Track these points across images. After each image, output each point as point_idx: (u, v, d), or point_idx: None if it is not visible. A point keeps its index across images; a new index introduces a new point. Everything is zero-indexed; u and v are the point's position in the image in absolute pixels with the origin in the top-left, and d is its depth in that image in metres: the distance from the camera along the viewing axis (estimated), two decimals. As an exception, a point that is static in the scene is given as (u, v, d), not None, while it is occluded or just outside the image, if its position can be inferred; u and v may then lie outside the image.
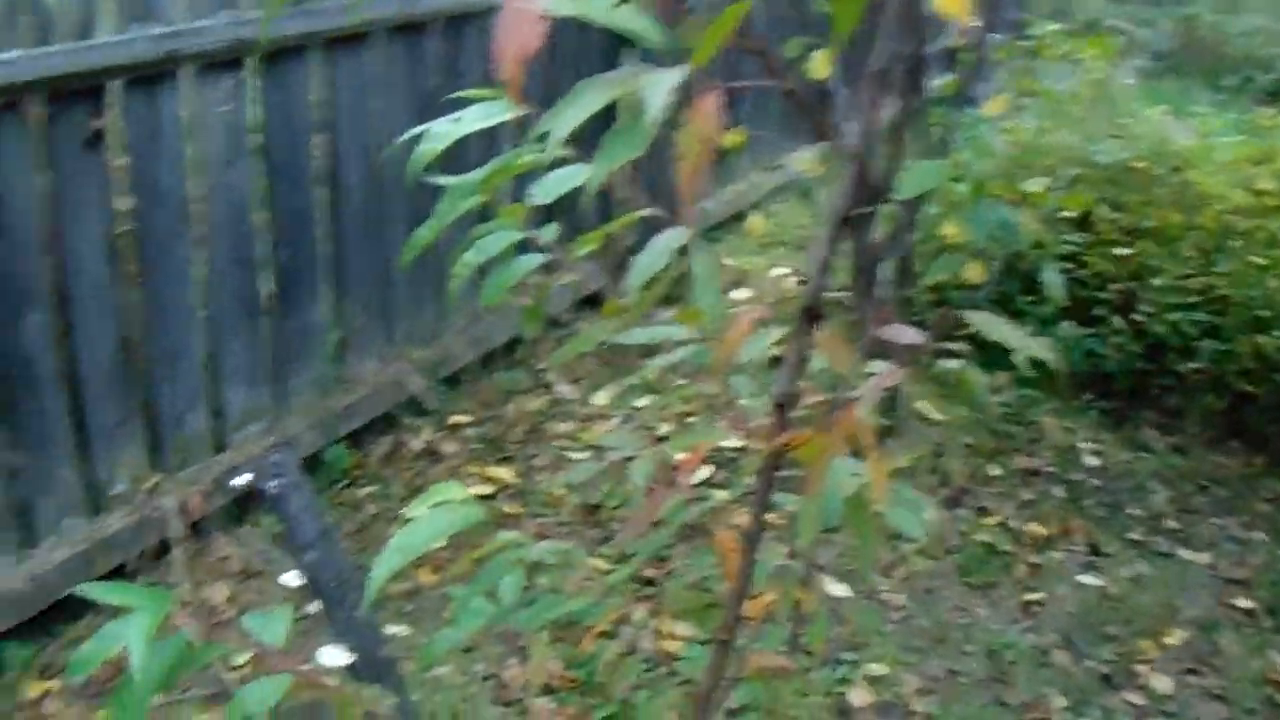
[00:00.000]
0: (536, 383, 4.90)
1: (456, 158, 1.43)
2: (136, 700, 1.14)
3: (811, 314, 1.26)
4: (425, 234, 1.66)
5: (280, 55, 3.87)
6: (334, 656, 1.76)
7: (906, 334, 1.44)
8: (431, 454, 4.43)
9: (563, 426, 4.64)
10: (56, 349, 3.46)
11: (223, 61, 3.70)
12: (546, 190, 1.46)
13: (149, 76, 3.52)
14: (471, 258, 1.69)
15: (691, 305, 1.44)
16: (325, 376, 4.30)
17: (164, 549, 3.71)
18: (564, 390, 4.86)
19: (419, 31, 4.35)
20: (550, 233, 1.72)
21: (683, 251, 1.47)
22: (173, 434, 3.83)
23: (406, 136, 1.49)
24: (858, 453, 1.37)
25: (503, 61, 0.95)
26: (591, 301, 5.31)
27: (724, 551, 1.31)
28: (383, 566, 1.21)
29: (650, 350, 4.83)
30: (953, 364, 1.58)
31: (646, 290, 1.45)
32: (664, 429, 4.54)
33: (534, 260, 1.69)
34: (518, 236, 1.68)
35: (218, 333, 3.90)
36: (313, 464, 4.15)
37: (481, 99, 1.46)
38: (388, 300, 4.49)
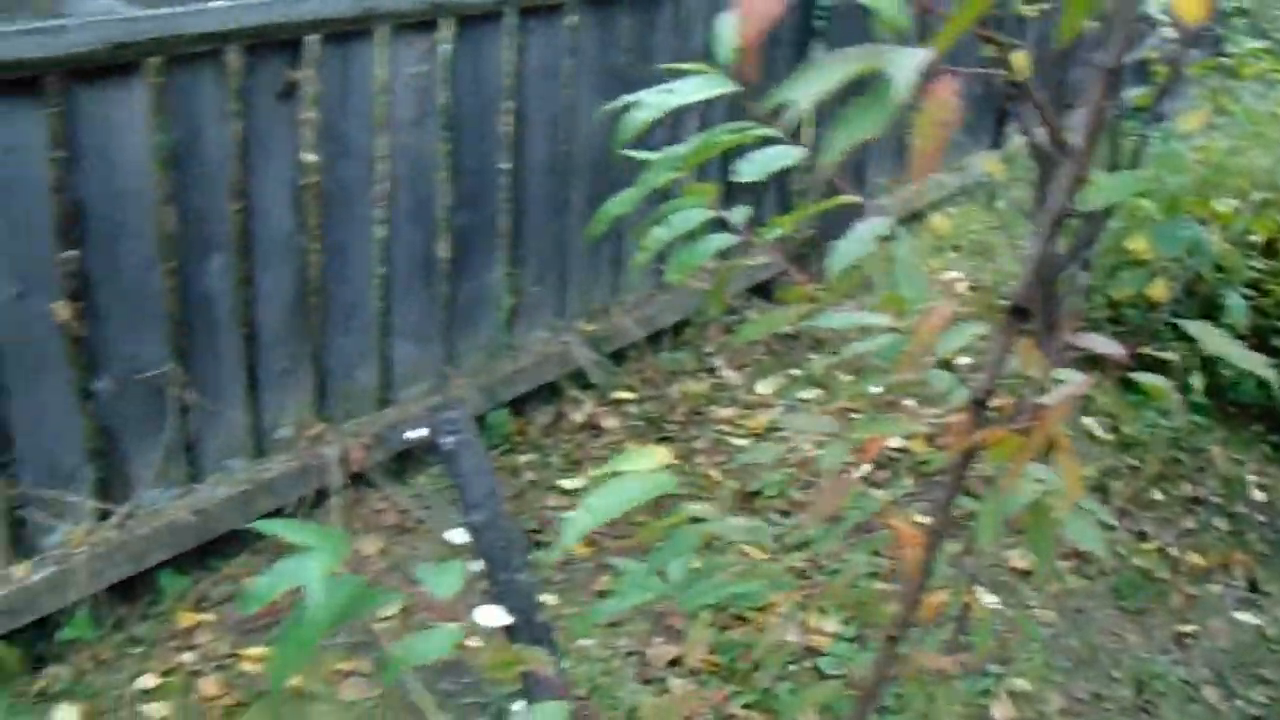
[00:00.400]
0: (701, 366, 4.89)
1: (640, 137, 1.42)
2: (308, 636, 1.15)
3: (1019, 313, 1.24)
4: (618, 206, 1.66)
5: (475, 20, 3.89)
6: (491, 616, 1.76)
7: (1101, 344, 1.42)
8: (592, 427, 4.45)
9: (725, 412, 4.62)
10: (236, 293, 3.53)
11: (418, 23, 3.74)
12: (756, 168, 1.45)
13: (346, 33, 3.57)
14: (662, 234, 1.68)
15: (892, 293, 1.42)
16: (494, 342, 4.33)
17: (321, 497, 3.76)
18: (728, 376, 4.85)
19: (612, 4, 4.36)
20: (741, 214, 1.70)
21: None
22: (340, 385, 3.89)
23: (618, 104, 1.48)
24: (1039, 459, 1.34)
25: (740, 33, 0.94)
26: (761, 290, 5.29)
27: (904, 546, 1.29)
28: (575, 526, 1.21)
29: (818, 344, 4.78)
30: (1149, 377, 1.55)
31: (843, 278, 1.43)
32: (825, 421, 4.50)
33: (725, 240, 1.67)
34: (709, 215, 1.67)
35: (392, 290, 3.95)
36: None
37: (692, 73, 1.45)
38: (561, 272, 4.51)
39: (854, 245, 1.44)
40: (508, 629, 1.73)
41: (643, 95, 1.43)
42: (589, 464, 4.24)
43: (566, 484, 4.13)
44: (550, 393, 4.49)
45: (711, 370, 4.90)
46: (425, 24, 3.77)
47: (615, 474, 1.18)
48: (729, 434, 4.49)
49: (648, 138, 1.48)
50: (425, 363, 4.12)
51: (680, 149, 1.53)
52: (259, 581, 1.18)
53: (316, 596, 1.10)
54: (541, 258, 4.41)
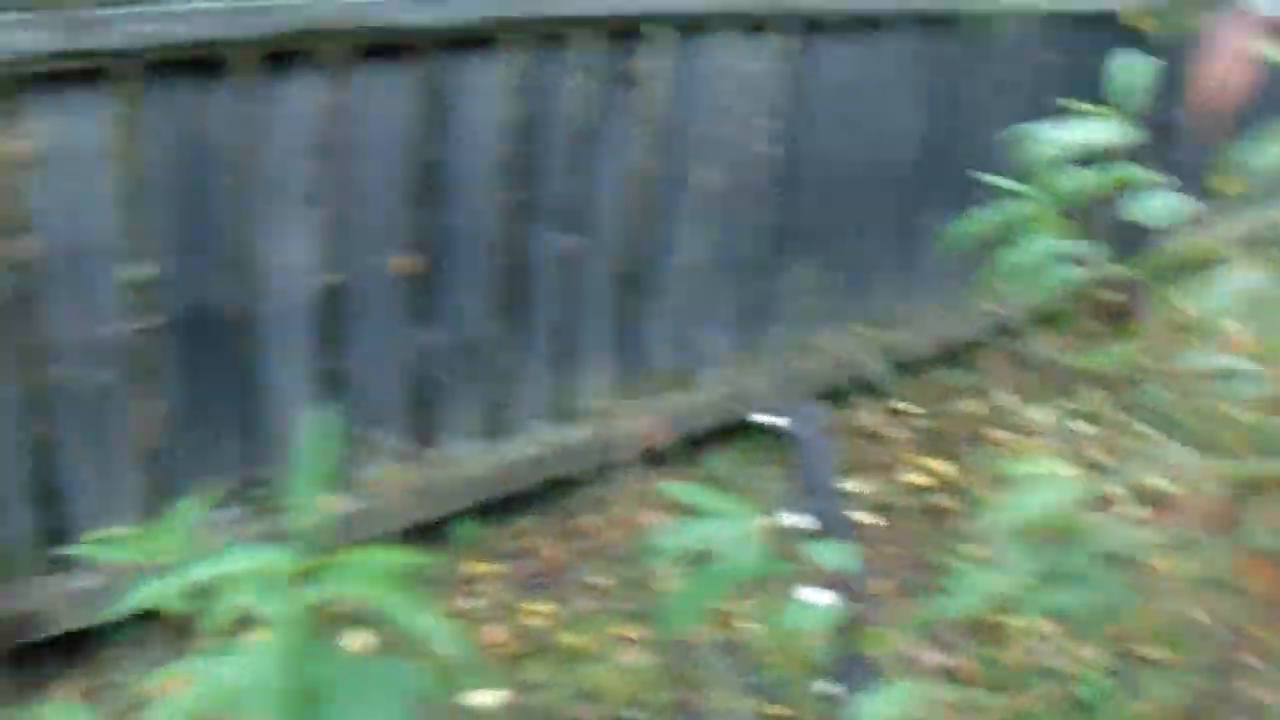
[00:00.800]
0: (980, 387, 4.93)
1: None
2: (712, 591, 1.26)
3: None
4: (976, 225, 1.76)
5: (815, 27, 4.03)
6: (814, 597, 1.87)
7: None
8: (872, 434, 4.53)
9: (999, 434, 4.66)
10: (559, 266, 3.71)
11: (761, 25, 3.88)
12: (1152, 213, 1.54)
13: (690, 27, 3.72)
14: (1016, 258, 1.77)
15: (1271, 340, 1.50)
16: (789, 339, 4.44)
17: (608, 468, 3.90)
18: (1005, 400, 4.88)
19: (941, 26, 4.44)
20: (1093, 249, 1.78)
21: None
22: (641, 365, 4.05)
23: (1012, 132, 1.59)
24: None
25: (1207, 90, 1.03)
26: (1046, 320, 5.29)
27: (1255, 576, 1.36)
28: (1001, 523, 1.31)
29: (1097, 378, 4.72)
30: None
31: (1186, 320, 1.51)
32: (1096, 456, 4.51)
33: (1079, 273, 1.76)
34: (1066, 246, 1.76)
35: (701, 279, 4.10)
36: (759, 420, 4.28)
37: (1090, 113, 1.55)
38: (860, 281, 4.62)
39: (1228, 292, 1.52)
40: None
41: (1046, 129, 1.53)
42: (868, 469, 4.31)
43: (843, 486, 4.20)
44: (834, 395, 4.58)
45: (987, 392, 4.93)
46: (768, 27, 3.91)
47: (1031, 477, 1.27)
48: (1003, 456, 4.52)
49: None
50: (723, 351, 4.25)
51: (1065, 183, 1.63)
52: (669, 537, 1.30)
53: (749, 560, 1.21)
54: (843, 264, 4.52)
